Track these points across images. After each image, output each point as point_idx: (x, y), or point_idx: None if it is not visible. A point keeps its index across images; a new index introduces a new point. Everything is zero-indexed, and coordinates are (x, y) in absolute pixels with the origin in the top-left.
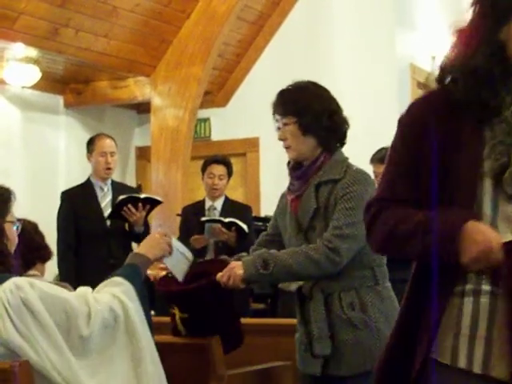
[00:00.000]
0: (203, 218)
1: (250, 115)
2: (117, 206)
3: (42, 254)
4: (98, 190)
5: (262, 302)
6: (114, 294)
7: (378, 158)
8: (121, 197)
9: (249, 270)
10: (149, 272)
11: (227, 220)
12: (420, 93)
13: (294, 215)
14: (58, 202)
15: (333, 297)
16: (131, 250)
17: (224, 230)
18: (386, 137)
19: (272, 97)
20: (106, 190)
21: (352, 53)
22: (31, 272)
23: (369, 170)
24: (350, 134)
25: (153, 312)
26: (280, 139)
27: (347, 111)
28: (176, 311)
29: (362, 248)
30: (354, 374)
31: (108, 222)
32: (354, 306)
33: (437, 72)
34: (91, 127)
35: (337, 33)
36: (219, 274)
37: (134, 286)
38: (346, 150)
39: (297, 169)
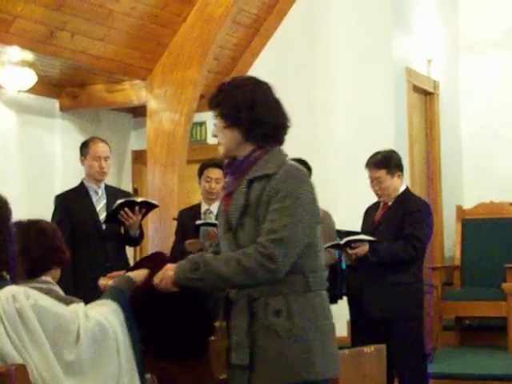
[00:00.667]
0: (198, 222)
1: None
2: (114, 210)
3: (60, 258)
4: (92, 193)
5: None
6: (103, 312)
7: (373, 162)
8: (119, 201)
9: (179, 273)
10: (100, 282)
11: None
12: (416, 96)
13: (225, 213)
14: (53, 205)
15: (258, 302)
16: (125, 253)
17: None
18: (382, 140)
19: None
20: (100, 193)
21: (348, 56)
22: (43, 278)
23: (364, 174)
24: (344, 137)
25: None
26: (213, 136)
27: (342, 114)
28: None
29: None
30: None
31: (103, 226)
32: (280, 312)
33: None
34: (87, 131)
35: (333, 36)
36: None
37: (121, 307)
38: (342, 153)
39: (231, 165)
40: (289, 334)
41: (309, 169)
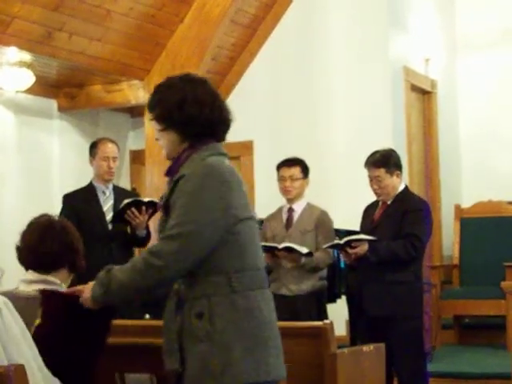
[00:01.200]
0: None
1: (244, 119)
2: (121, 210)
3: (73, 260)
4: (100, 193)
5: None
6: None
7: (372, 161)
8: (126, 200)
9: (95, 293)
10: None
11: None
12: (414, 95)
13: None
14: (52, 206)
15: (186, 305)
16: (133, 253)
17: None
18: (380, 139)
19: (266, 100)
20: (108, 193)
21: (345, 55)
22: (50, 278)
23: (363, 173)
24: (343, 136)
25: (147, 315)
26: (156, 140)
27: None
28: None
29: (217, 251)
30: None
31: (110, 226)
32: (202, 315)
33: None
34: (85, 131)
35: (330, 36)
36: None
37: None
38: (340, 153)
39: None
40: (209, 338)
41: (306, 168)
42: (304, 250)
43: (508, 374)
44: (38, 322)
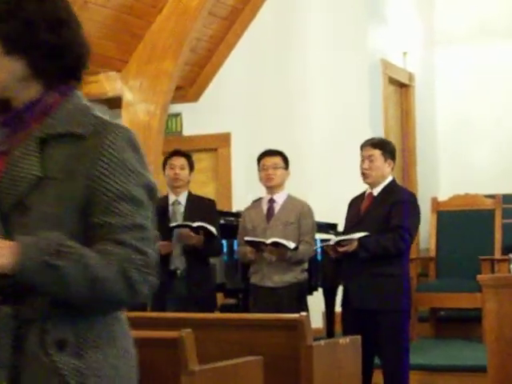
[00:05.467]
0: (172, 224)
1: (221, 110)
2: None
3: None
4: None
5: (234, 296)
6: None
7: (370, 142)
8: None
9: (28, 253)
10: None
11: (195, 225)
12: (391, 88)
13: None
14: None
15: (30, 327)
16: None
17: (192, 234)
18: (357, 131)
19: (244, 92)
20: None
21: (323, 47)
22: None
23: (339, 164)
24: (320, 128)
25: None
26: None
27: (318, 106)
28: None
29: None
30: None
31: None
32: (65, 344)
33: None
34: None
35: (308, 28)
36: None
37: None
38: (317, 144)
39: (2, 112)
40: (79, 379)
41: (286, 160)
42: (291, 245)
43: (484, 366)
44: None
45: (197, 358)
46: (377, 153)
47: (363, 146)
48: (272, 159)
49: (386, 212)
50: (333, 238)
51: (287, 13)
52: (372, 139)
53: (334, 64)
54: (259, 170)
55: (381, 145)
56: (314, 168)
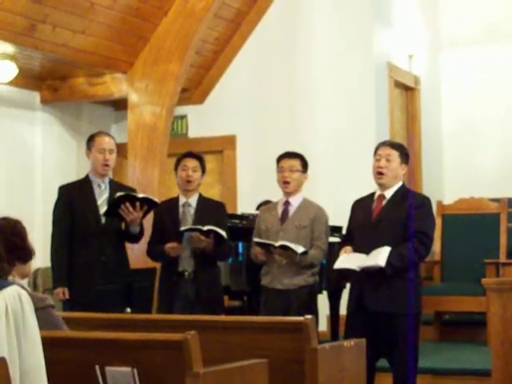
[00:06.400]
0: (182, 228)
1: (227, 113)
2: (113, 203)
3: (21, 255)
4: (95, 186)
5: (239, 299)
6: None
7: (389, 142)
8: (118, 193)
9: None
10: None
11: (206, 228)
12: (397, 91)
13: None
14: (34, 198)
15: None
16: (124, 248)
17: (202, 237)
18: (362, 134)
19: (250, 94)
20: (103, 187)
21: (329, 50)
22: (10, 278)
23: (343, 167)
24: (325, 131)
25: (129, 309)
26: None
27: (323, 108)
28: None
29: None
30: None
31: (103, 220)
32: None
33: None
34: (68, 124)
35: (314, 31)
36: None
37: None
38: (321, 146)
39: None
40: None
41: (305, 163)
42: (300, 250)
43: (488, 370)
44: None
45: (201, 361)
46: (395, 153)
47: (380, 146)
48: (290, 161)
49: (404, 216)
50: (357, 264)
51: (293, 15)
52: (390, 140)
53: (340, 67)
54: (277, 171)
55: (399, 147)
56: (319, 170)
